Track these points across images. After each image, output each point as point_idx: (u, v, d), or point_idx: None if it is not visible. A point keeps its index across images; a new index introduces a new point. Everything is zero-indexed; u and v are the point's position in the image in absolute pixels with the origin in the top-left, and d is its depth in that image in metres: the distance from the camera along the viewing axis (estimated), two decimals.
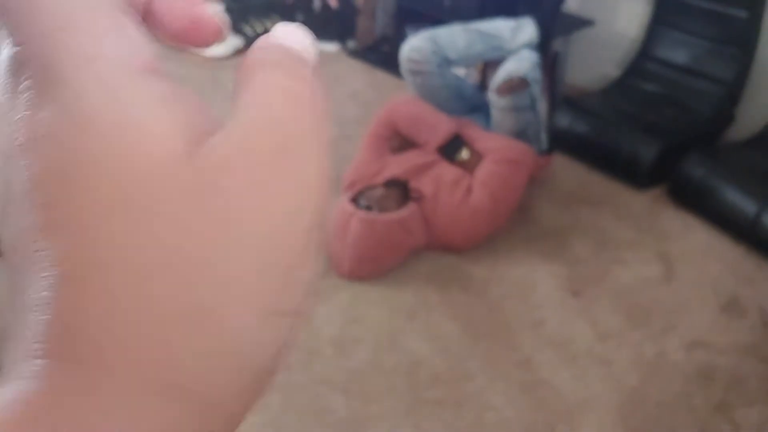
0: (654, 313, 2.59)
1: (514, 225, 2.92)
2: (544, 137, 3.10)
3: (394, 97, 3.07)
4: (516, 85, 2.82)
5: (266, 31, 0.26)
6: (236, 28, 4.33)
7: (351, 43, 4.45)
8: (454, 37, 2.98)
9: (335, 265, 2.64)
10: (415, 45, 2.93)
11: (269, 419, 2.04)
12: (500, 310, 2.54)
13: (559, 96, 3.45)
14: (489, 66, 3.34)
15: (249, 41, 4.30)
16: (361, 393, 2.18)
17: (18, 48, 0.21)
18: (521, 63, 2.85)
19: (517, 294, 2.62)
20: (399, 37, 4.00)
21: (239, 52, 4.22)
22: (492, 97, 2.91)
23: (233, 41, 4.23)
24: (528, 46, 2.97)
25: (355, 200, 2.65)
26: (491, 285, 2.65)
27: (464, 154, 2.86)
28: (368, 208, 2.61)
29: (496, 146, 2.85)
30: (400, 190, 2.72)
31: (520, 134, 2.96)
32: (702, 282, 2.75)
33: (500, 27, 3.04)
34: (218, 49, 4.17)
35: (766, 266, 2.80)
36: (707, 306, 2.64)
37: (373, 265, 2.63)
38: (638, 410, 2.20)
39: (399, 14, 4.20)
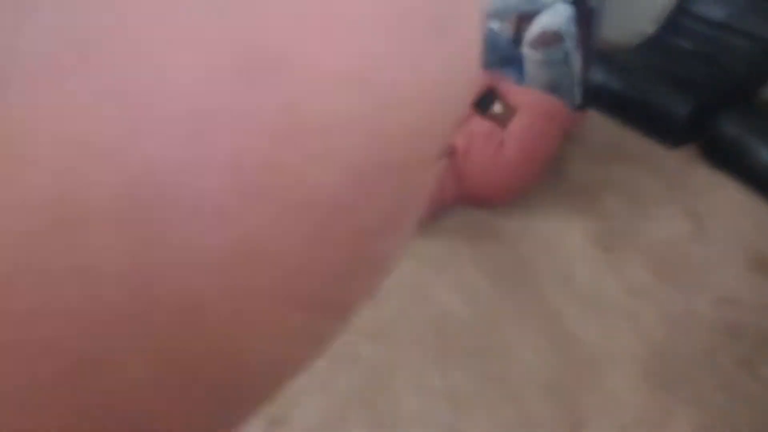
0: (683, 269, 2.59)
1: (545, 180, 2.92)
2: (577, 92, 3.08)
3: None
4: (550, 39, 2.80)
5: None
6: None
7: None
8: None
9: None
10: None
11: None
12: (530, 264, 2.56)
13: (594, 51, 3.41)
14: (523, 19, 3.31)
15: None
16: (389, 341, 2.22)
17: None
18: (556, 17, 2.83)
19: (547, 248, 2.63)
20: None
21: None
22: (526, 50, 2.89)
23: None
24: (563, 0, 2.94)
25: None
26: (522, 239, 2.66)
27: (497, 107, 2.85)
28: None
29: (529, 100, 2.83)
30: None
31: (554, 89, 2.94)
32: (732, 240, 2.74)
33: None
34: None
35: None
36: (737, 264, 2.63)
37: None
38: (664, 364, 2.22)
39: None
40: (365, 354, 2.16)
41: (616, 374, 2.17)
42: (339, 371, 2.09)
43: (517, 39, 3.38)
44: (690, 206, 2.90)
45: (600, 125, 3.33)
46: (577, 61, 3.00)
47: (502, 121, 2.82)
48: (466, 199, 2.77)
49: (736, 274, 2.58)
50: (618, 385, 2.14)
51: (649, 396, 2.11)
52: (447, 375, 2.13)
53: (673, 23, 3.56)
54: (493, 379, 2.13)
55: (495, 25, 3.34)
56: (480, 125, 2.81)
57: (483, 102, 2.86)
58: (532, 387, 2.11)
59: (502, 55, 3.14)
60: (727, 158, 3.07)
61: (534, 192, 2.87)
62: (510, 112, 2.83)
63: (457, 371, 2.14)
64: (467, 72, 0.21)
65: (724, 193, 2.99)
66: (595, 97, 3.31)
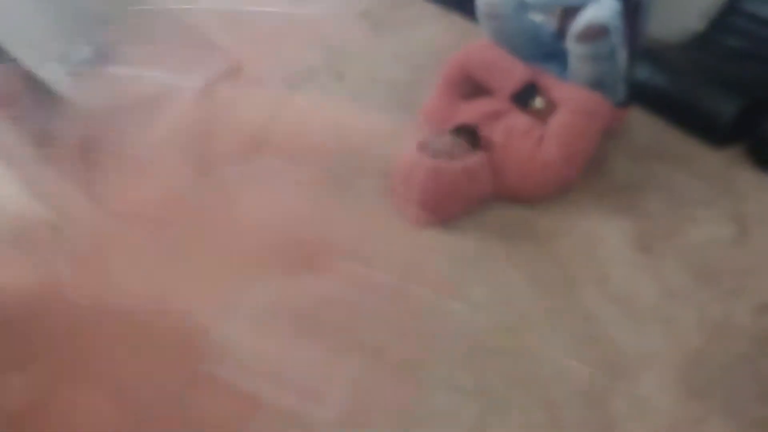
0: (724, 273, 2.55)
1: (585, 178, 2.89)
2: (621, 89, 3.04)
3: (469, 42, 3.05)
4: (595, 33, 2.76)
5: None
6: None
7: None
8: None
9: (401, 210, 2.66)
10: None
11: (328, 356, 2.09)
12: (566, 263, 2.54)
13: (640, 48, 3.37)
14: (568, 13, 3.27)
15: None
16: (420, 336, 2.21)
17: None
18: (602, 10, 2.79)
19: (584, 247, 2.61)
20: None
21: None
22: (570, 44, 2.85)
23: None
24: None
25: (422, 146, 2.65)
26: (558, 237, 2.64)
27: (538, 102, 2.83)
28: (436, 154, 2.61)
29: (571, 96, 2.80)
30: (469, 137, 2.72)
31: (597, 84, 2.90)
32: None
33: None
34: None
35: None
36: None
37: (439, 212, 2.64)
38: (700, 370, 2.19)
39: None
40: (394, 349, 2.16)
41: (649, 379, 2.15)
42: (367, 366, 2.09)
43: (561, 33, 3.34)
44: (733, 209, 2.85)
45: (643, 123, 3.29)
46: (622, 56, 2.96)
47: (542, 116, 2.80)
48: (503, 195, 2.76)
49: None
50: (651, 390, 2.12)
51: (683, 403, 2.09)
52: (477, 374, 2.12)
53: (723, 21, 3.49)
54: (523, 379, 2.12)
55: (539, 19, 3.31)
56: (519, 120, 2.79)
57: (523, 96, 2.85)
58: (563, 389, 2.10)
59: (545, 49, 3.11)
60: None
61: (572, 189, 2.84)
62: (551, 107, 2.80)
63: (487, 371, 2.14)
64: None
65: None
66: (639, 95, 3.27)
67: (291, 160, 2.86)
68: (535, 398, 2.07)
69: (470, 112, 2.86)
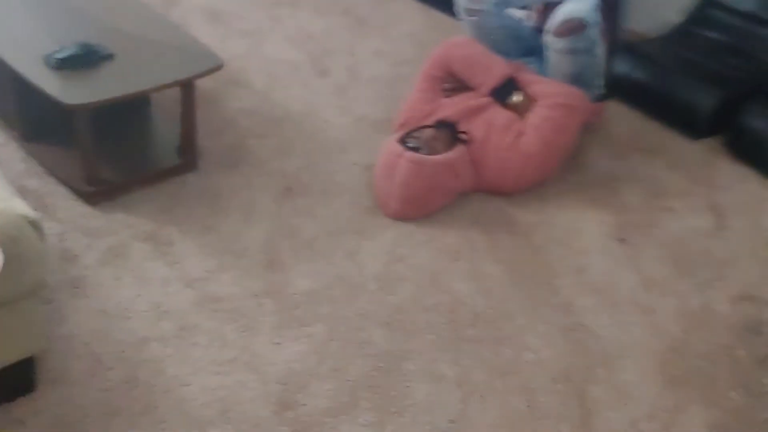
0: (702, 263, 2.55)
1: (564, 171, 2.89)
2: (600, 83, 3.05)
3: (450, 38, 3.04)
4: (574, 27, 2.76)
5: None
6: None
7: None
8: None
9: (382, 205, 2.66)
10: None
11: (313, 347, 2.09)
12: (544, 255, 2.53)
13: (619, 41, 3.37)
14: (548, 8, 3.27)
15: None
16: (402, 328, 2.21)
17: None
18: (580, 5, 2.79)
19: (562, 239, 2.61)
20: None
21: None
22: (549, 38, 2.85)
23: None
24: None
25: (403, 141, 2.65)
26: (537, 229, 2.64)
27: (517, 97, 2.82)
28: (416, 148, 2.61)
29: (550, 91, 2.81)
30: (450, 132, 2.71)
31: (576, 78, 2.91)
32: (754, 235, 2.70)
33: None
34: None
35: None
36: (758, 259, 2.59)
37: (420, 206, 2.64)
38: (679, 360, 2.19)
39: None
40: (377, 339, 2.16)
41: (628, 368, 2.15)
42: (350, 356, 2.09)
43: (541, 28, 3.34)
44: (711, 200, 2.86)
45: (622, 116, 3.29)
46: (601, 50, 2.96)
47: (521, 111, 2.79)
48: (483, 188, 2.76)
49: (757, 271, 2.54)
50: (630, 379, 2.12)
51: (663, 391, 2.09)
52: (458, 362, 2.12)
53: (701, 14, 3.49)
54: (503, 368, 2.11)
55: (520, 14, 3.30)
56: (499, 115, 2.79)
57: (503, 91, 2.84)
58: (543, 378, 2.09)
59: (525, 44, 3.11)
60: (751, 152, 3.02)
61: (551, 182, 2.84)
62: (530, 102, 2.80)
63: (467, 360, 2.13)
64: None
65: (748, 188, 2.94)
66: (619, 88, 3.28)
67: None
68: (515, 387, 2.06)
69: (451, 107, 2.85)
